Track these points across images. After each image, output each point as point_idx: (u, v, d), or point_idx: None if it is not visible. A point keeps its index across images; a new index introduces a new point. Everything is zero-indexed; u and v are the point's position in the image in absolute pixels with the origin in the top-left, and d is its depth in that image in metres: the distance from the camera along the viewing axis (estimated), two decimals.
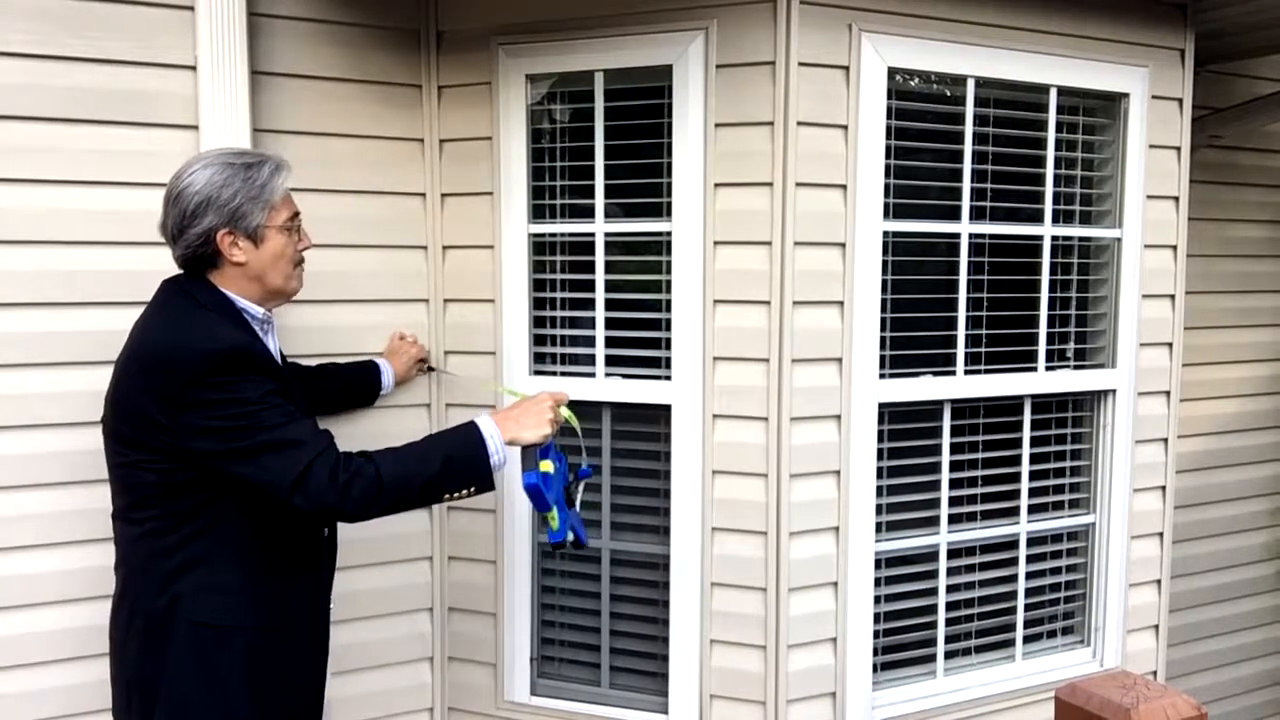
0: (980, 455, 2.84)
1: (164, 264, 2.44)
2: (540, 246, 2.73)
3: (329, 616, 2.14)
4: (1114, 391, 2.97)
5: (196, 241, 1.88)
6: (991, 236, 2.78)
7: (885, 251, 2.60)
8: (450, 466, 1.82)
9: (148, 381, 1.81)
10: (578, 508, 2.05)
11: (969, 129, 2.68)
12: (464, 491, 1.85)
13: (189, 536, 1.86)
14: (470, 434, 1.87)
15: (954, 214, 2.71)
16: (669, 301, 2.58)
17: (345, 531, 2.74)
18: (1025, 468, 2.90)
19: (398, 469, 1.79)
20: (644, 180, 2.61)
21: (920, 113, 2.65)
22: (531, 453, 1.91)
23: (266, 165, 1.92)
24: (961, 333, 2.74)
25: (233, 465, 1.78)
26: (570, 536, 2.02)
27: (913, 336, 2.69)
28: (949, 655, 2.85)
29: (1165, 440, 3.09)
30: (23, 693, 2.39)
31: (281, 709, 1.97)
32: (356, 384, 2.60)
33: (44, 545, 2.39)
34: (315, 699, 2.12)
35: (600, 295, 2.66)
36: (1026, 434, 2.89)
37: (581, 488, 2.07)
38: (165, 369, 1.78)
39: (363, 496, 1.76)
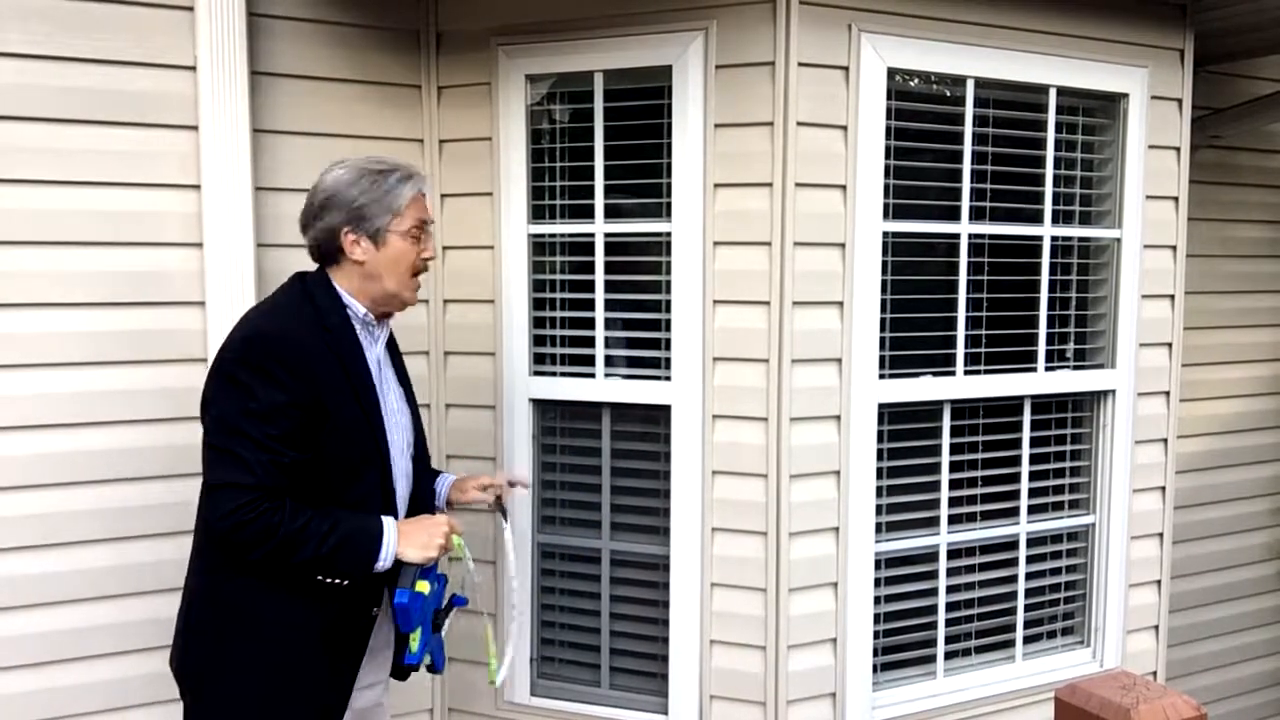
0: (980, 455, 2.84)
1: (165, 264, 2.46)
2: (540, 247, 2.73)
3: (368, 628, 2.02)
4: (1114, 392, 2.96)
5: (323, 236, 1.95)
6: (991, 237, 2.78)
7: (885, 252, 2.60)
8: (339, 554, 1.82)
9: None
10: (443, 634, 2.03)
11: (968, 129, 2.68)
12: (336, 580, 1.86)
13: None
14: (371, 533, 1.85)
15: (954, 214, 2.71)
16: (669, 302, 2.58)
17: None
18: (1025, 468, 2.90)
19: (295, 535, 1.78)
20: (644, 181, 2.61)
21: (920, 113, 2.65)
22: (411, 571, 1.88)
23: (397, 173, 1.95)
24: (961, 333, 2.74)
25: (205, 445, 1.82)
26: (427, 660, 1.98)
27: (912, 337, 2.69)
28: (949, 656, 2.84)
29: (1165, 440, 3.09)
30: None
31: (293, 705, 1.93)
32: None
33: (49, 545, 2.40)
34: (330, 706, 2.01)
35: (600, 295, 2.66)
36: (1026, 434, 2.89)
37: (451, 616, 2.03)
38: (226, 343, 1.86)
39: (250, 541, 1.77)
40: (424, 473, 2.18)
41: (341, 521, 1.84)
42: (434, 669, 2.02)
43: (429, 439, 2.83)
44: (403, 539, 1.88)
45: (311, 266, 2.01)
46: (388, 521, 1.89)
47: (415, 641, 1.91)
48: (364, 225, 1.93)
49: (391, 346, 2.13)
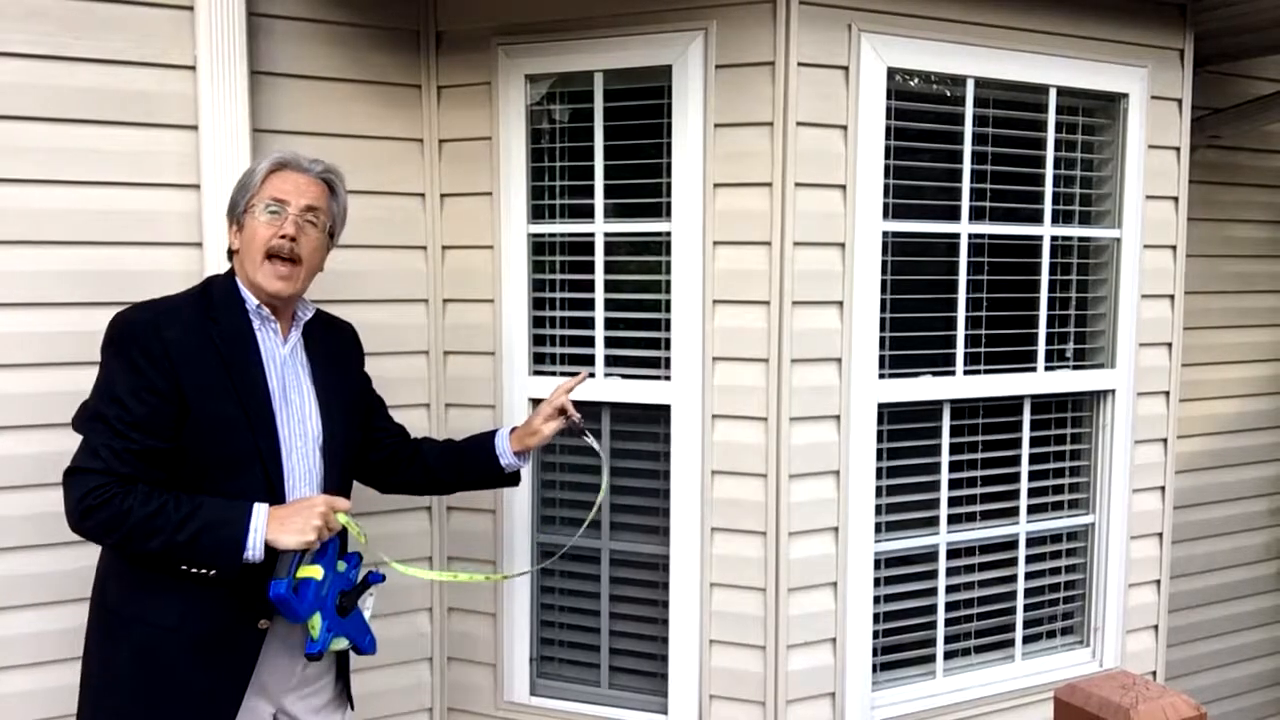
0: (980, 455, 2.84)
1: (165, 264, 2.46)
2: (540, 246, 2.73)
3: (255, 643, 1.92)
4: (1113, 392, 2.97)
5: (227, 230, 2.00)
6: (991, 237, 2.78)
7: (885, 251, 2.60)
8: (200, 541, 1.75)
9: None
10: (366, 615, 1.94)
11: (968, 129, 2.68)
12: (204, 570, 1.77)
13: None
14: (236, 520, 1.77)
15: (953, 214, 2.71)
16: (669, 301, 2.58)
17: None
18: (1025, 468, 2.90)
19: (147, 520, 1.73)
20: (643, 180, 2.61)
21: (920, 113, 2.65)
22: (287, 559, 1.79)
23: (265, 159, 1.98)
24: (961, 333, 2.74)
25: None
26: (344, 644, 1.91)
27: (912, 336, 2.70)
28: (948, 655, 2.85)
29: (1165, 440, 3.09)
30: None
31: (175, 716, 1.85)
32: (465, 461, 2.28)
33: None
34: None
35: (600, 295, 2.66)
36: (1026, 434, 2.89)
37: (371, 594, 1.93)
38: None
39: (98, 527, 1.74)
40: (344, 480, 2.09)
41: (204, 507, 1.77)
42: (360, 650, 1.95)
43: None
44: (274, 523, 1.78)
45: None
46: (258, 507, 1.79)
47: (315, 629, 1.84)
48: (233, 213, 1.97)
49: (327, 347, 2.07)
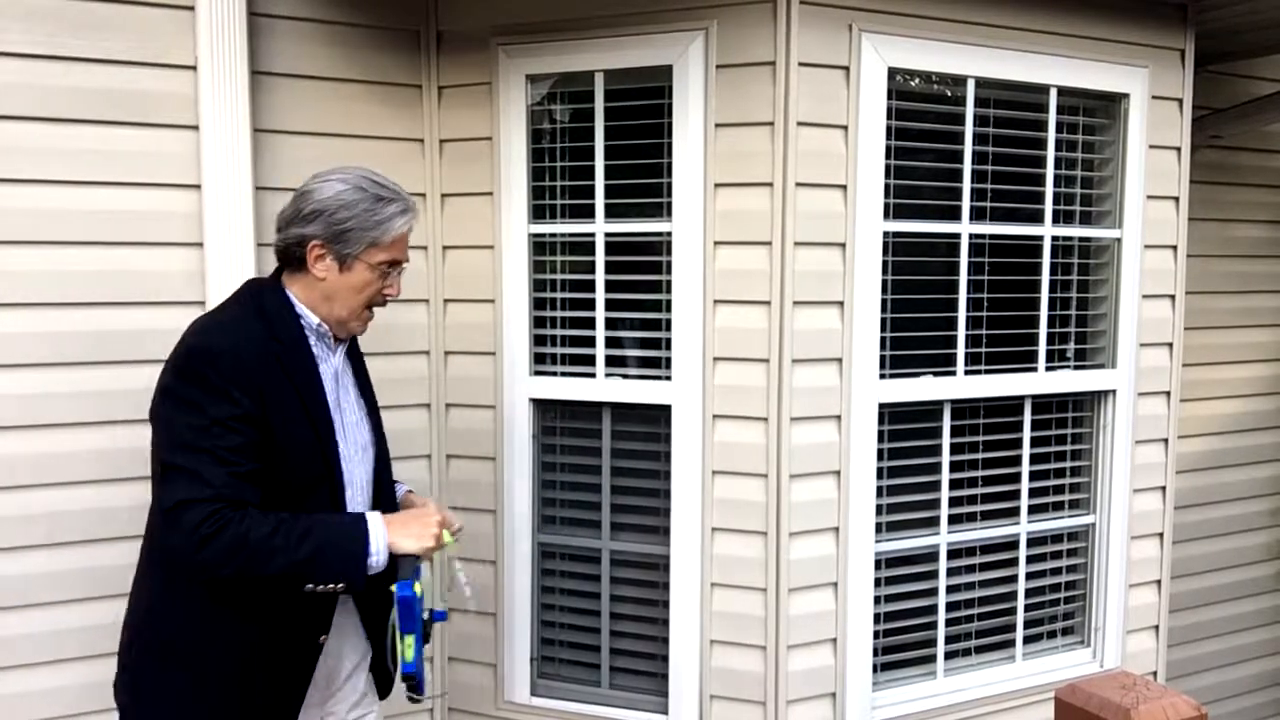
0: (980, 455, 2.84)
1: (165, 264, 2.46)
2: (540, 246, 2.73)
3: (313, 658, 1.92)
4: (1114, 392, 2.96)
5: (293, 241, 1.85)
6: (991, 237, 2.78)
7: (885, 251, 2.60)
8: (321, 557, 1.72)
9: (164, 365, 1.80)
10: (426, 649, 1.92)
11: (969, 129, 2.68)
12: (330, 585, 1.74)
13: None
14: (354, 529, 1.78)
15: (954, 214, 2.71)
16: (669, 301, 2.58)
17: None
18: (1025, 468, 2.90)
19: (266, 541, 1.69)
20: (644, 180, 2.61)
21: (920, 113, 2.65)
22: (410, 563, 1.80)
23: (395, 204, 1.88)
24: (961, 333, 2.74)
25: (155, 462, 1.76)
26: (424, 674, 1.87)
27: (913, 337, 2.69)
28: (949, 656, 2.85)
29: (1165, 440, 3.09)
30: None
31: None
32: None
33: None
34: None
35: (600, 295, 2.66)
36: (1027, 434, 2.89)
37: (432, 630, 1.94)
38: (171, 355, 1.78)
39: (218, 555, 1.67)
40: (388, 481, 2.10)
41: (317, 523, 1.76)
42: (418, 689, 1.90)
43: (430, 439, 2.84)
44: (393, 529, 1.80)
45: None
46: (371, 515, 1.82)
47: (410, 648, 1.81)
48: (338, 247, 1.84)
49: (352, 350, 2.06)
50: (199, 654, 1.81)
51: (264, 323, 1.83)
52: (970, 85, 2.67)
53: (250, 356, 1.77)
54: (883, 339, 2.61)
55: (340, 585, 1.76)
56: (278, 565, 1.70)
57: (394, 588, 1.79)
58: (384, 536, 1.78)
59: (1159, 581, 3.12)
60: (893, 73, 2.56)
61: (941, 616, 2.81)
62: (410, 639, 1.81)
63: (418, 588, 1.81)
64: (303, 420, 1.83)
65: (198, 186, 2.46)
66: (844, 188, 2.53)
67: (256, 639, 1.83)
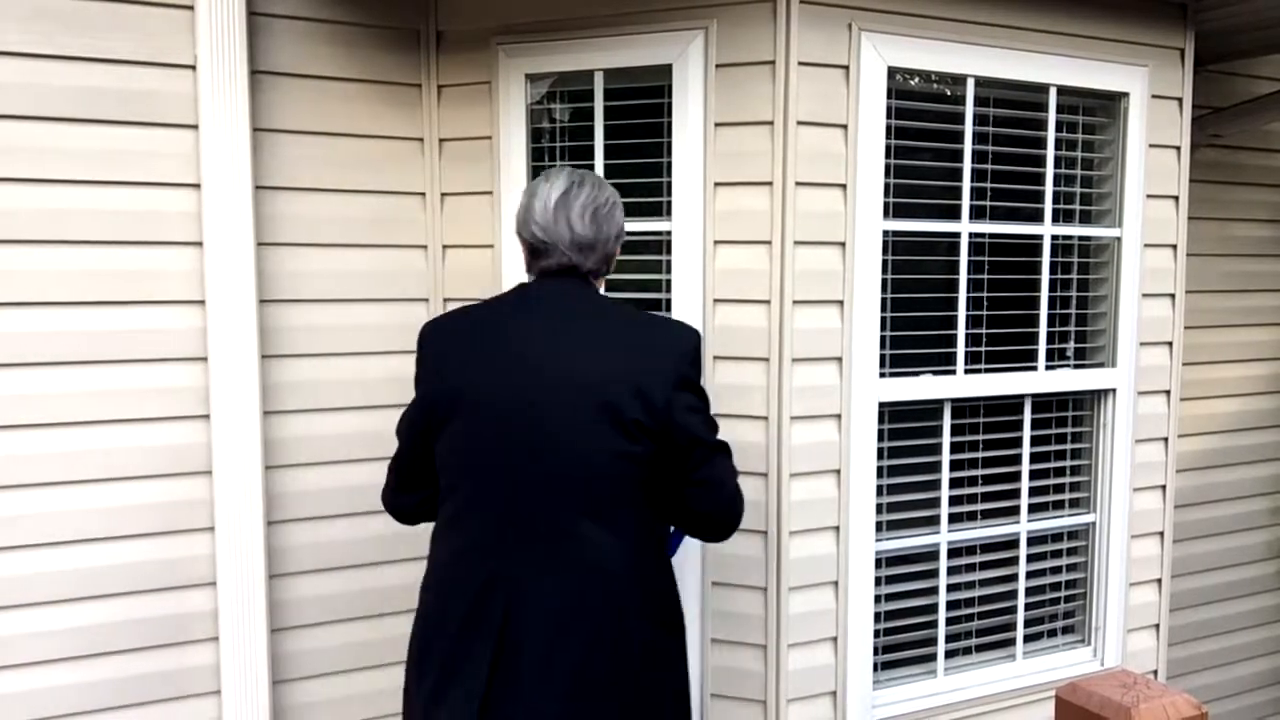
0: (980, 454, 2.84)
1: (165, 263, 2.46)
2: None
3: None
4: (1114, 391, 2.97)
5: (614, 250, 2.01)
6: (991, 236, 2.78)
7: (885, 251, 2.60)
8: None
9: (658, 366, 1.86)
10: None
11: (969, 128, 2.68)
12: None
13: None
14: None
15: (954, 213, 2.71)
16: (669, 301, 2.57)
17: (348, 531, 2.75)
18: (1025, 467, 2.90)
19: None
20: (644, 180, 2.61)
21: (920, 112, 2.65)
22: None
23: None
24: (961, 332, 2.74)
25: (711, 446, 1.90)
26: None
27: (913, 335, 2.70)
28: (949, 654, 2.85)
29: (1165, 439, 3.09)
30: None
31: None
32: None
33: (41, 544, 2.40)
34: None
35: None
36: (1027, 433, 2.89)
37: None
38: (684, 347, 1.91)
39: (741, 510, 1.97)
40: None
41: None
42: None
43: None
44: None
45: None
46: None
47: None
48: (615, 247, 2.03)
49: None
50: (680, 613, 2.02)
51: None
52: (970, 84, 2.67)
53: None
54: (883, 338, 2.62)
55: None
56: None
57: None
58: None
59: (1159, 580, 3.13)
60: (892, 72, 2.56)
61: (942, 615, 2.81)
62: None
63: None
64: None
65: (197, 186, 2.46)
66: (844, 187, 2.53)
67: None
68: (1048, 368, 2.89)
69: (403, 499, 2.05)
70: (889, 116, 2.57)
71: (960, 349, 2.75)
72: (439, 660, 1.85)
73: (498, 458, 1.83)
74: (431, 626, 1.88)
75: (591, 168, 2.63)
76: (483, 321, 1.94)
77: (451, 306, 2.81)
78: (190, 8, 2.43)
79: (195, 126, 2.46)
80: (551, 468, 1.81)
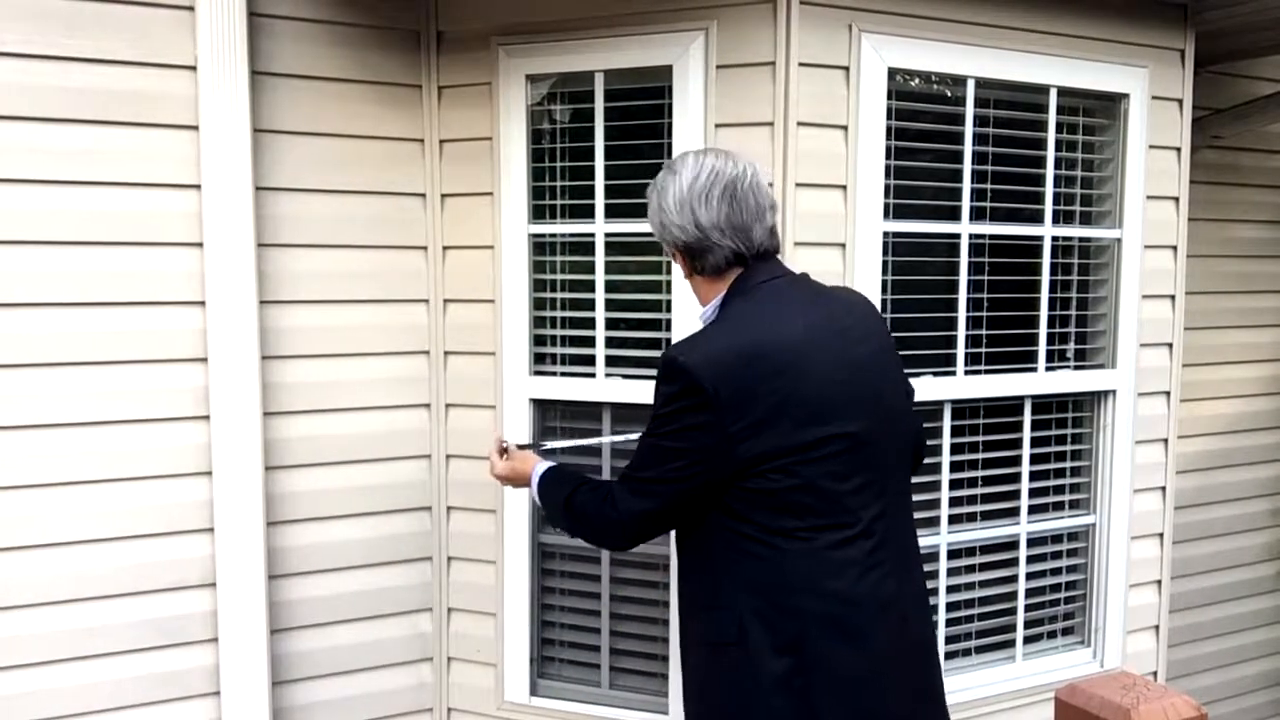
0: (980, 455, 2.84)
1: (165, 264, 2.46)
2: (540, 246, 2.73)
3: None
4: (1114, 392, 2.96)
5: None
6: (991, 237, 2.78)
7: (885, 252, 2.60)
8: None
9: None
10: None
11: (969, 129, 2.68)
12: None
13: None
14: None
15: (954, 214, 2.71)
16: (669, 301, 2.57)
17: (348, 532, 2.75)
18: (1025, 468, 2.90)
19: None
20: (644, 180, 2.60)
21: (920, 113, 2.65)
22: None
23: None
24: (961, 333, 2.74)
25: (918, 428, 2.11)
26: None
27: (913, 336, 2.69)
28: (949, 655, 2.84)
29: (1165, 441, 3.09)
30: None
31: None
32: None
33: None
34: None
35: (600, 295, 2.66)
36: (1027, 434, 2.89)
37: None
38: (882, 331, 2.07)
39: None
40: None
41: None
42: None
43: (430, 439, 2.84)
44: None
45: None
46: None
47: None
48: None
49: None
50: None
51: None
52: (970, 85, 2.67)
53: None
54: None
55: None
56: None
57: None
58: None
59: (1159, 581, 3.12)
60: (892, 73, 2.56)
61: (942, 616, 2.81)
62: None
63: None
64: None
65: (197, 186, 2.46)
66: (844, 188, 2.53)
67: None
68: (1048, 369, 2.89)
69: None
70: (889, 117, 2.57)
71: (960, 350, 2.74)
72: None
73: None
74: None
75: (592, 169, 2.63)
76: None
77: (452, 307, 2.81)
78: (190, 9, 2.43)
79: (195, 127, 2.46)
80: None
